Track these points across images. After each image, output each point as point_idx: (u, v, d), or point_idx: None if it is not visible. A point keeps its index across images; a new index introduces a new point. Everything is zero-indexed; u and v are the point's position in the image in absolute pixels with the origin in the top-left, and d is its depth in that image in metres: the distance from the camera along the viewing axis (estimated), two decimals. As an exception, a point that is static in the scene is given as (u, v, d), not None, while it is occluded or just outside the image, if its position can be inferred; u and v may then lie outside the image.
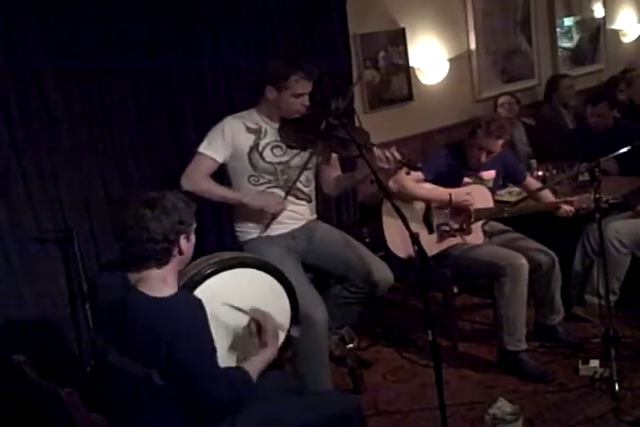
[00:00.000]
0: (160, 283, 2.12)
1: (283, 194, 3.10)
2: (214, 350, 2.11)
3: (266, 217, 3.08)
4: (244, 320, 2.40)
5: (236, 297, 2.42)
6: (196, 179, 3.03)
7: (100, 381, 2.25)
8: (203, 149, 3.06)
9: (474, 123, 3.60)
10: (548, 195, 3.78)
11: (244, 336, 2.40)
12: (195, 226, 2.24)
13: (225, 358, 2.26)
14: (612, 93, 4.76)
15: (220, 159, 3.07)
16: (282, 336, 2.48)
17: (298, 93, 3.01)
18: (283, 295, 2.60)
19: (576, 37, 6.47)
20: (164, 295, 2.08)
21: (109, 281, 2.22)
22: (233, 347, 2.40)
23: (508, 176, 3.85)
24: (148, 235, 2.09)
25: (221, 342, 2.19)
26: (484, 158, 3.56)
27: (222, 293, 2.40)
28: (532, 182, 3.87)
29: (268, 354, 2.30)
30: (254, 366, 2.24)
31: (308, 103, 3.06)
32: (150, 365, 2.05)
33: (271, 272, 2.58)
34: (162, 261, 2.14)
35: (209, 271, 2.41)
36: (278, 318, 2.48)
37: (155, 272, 2.14)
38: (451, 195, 3.49)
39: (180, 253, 2.18)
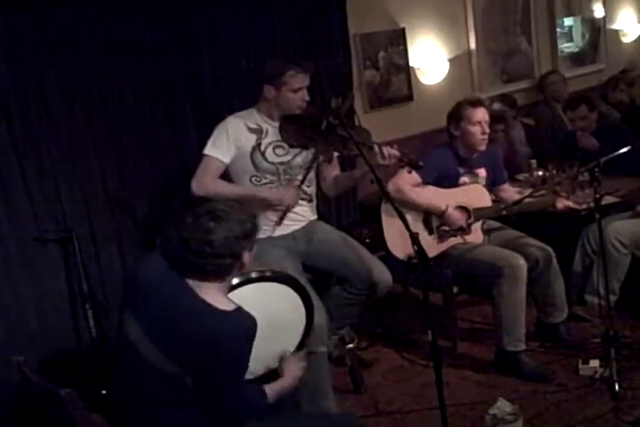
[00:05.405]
0: (219, 295, 2.08)
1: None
2: (246, 370, 2.11)
3: (280, 210, 3.04)
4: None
5: (257, 310, 2.42)
6: (207, 182, 3.01)
7: (111, 359, 2.23)
8: (208, 150, 3.05)
9: (450, 116, 3.64)
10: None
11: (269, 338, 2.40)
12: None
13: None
14: (590, 96, 4.79)
15: (227, 160, 3.05)
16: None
17: (296, 88, 3.02)
18: (301, 310, 2.57)
19: (576, 37, 6.47)
20: (226, 309, 2.04)
21: (158, 267, 2.12)
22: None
23: (492, 176, 3.76)
24: (211, 250, 2.01)
25: None
26: (483, 134, 3.53)
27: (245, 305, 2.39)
28: (509, 191, 3.81)
29: (288, 383, 2.33)
30: (274, 390, 2.25)
31: (308, 98, 3.07)
32: (185, 366, 2.03)
33: (292, 286, 2.53)
34: (223, 275, 2.09)
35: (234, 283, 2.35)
36: (291, 331, 2.51)
37: (215, 284, 2.09)
38: (447, 207, 3.49)
39: (242, 266, 2.12)
